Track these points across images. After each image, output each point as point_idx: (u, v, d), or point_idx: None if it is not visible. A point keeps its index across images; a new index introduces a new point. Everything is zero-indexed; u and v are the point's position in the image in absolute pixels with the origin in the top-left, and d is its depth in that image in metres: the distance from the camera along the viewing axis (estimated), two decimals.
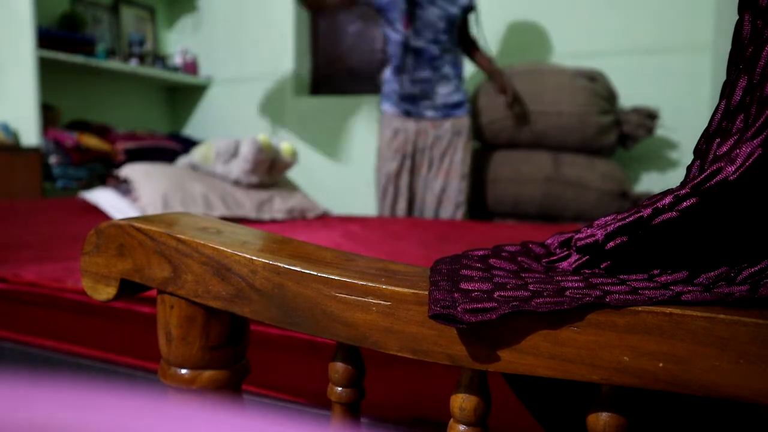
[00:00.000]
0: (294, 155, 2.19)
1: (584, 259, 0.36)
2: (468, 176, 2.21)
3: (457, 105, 2.15)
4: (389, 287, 0.35)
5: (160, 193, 1.83)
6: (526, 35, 2.66)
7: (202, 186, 1.95)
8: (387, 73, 2.19)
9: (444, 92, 2.12)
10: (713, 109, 0.35)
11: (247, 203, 2.01)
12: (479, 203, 2.34)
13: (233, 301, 0.39)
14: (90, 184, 2.65)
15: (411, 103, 2.12)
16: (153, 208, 1.78)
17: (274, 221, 2.04)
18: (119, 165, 2.66)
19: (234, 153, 2.06)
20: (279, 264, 0.37)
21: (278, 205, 2.12)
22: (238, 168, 2.03)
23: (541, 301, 0.31)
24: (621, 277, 0.35)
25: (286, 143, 2.19)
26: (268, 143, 2.05)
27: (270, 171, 2.12)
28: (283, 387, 0.78)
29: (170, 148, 3.06)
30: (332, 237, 1.57)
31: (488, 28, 2.72)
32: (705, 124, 0.36)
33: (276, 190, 2.17)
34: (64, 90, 2.97)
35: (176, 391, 0.42)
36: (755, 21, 0.33)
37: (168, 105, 3.64)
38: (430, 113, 2.13)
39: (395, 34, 2.08)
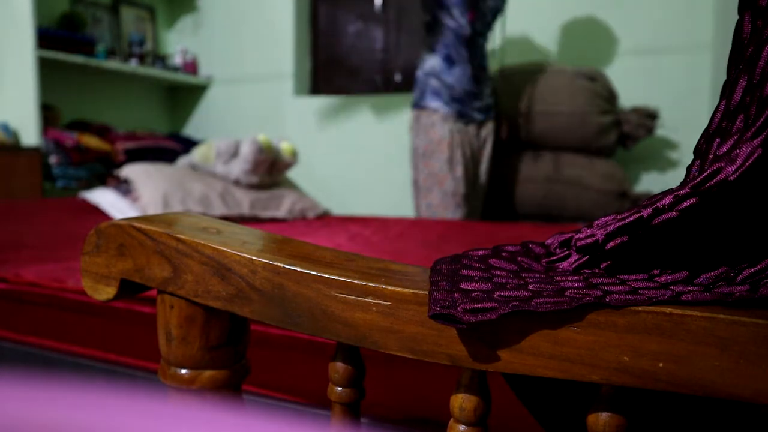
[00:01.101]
0: (294, 155, 2.19)
1: (584, 259, 0.36)
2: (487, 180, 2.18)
3: (492, 106, 2.06)
4: (389, 287, 0.35)
5: (160, 193, 1.83)
6: (527, 35, 2.66)
7: (202, 186, 1.95)
8: (434, 65, 1.95)
9: (487, 92, 2.01)
10: (713, 109, 0.35)
11: (246, 203, 2.01)
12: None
13: (233, 301, 0.39)
14: (90, 184, 2.65)
15: (461, 103, 1.96)
16: (153, 208, 1.78)
17: (274, 221, 2.04)
18: (119, 165, 2.66)
19: (234, 153, 2.06)
20: (279, 264, 0.37)
21: (278, 205, 2.12)
22: (238, 168, 2.03)
23: (541, 301, 0.31)
24: (621, 277, 0.35)
25: (286, 143, 2.18)
26: (268, 143, 2.05)
27: (270, 171, 2.12)
28: (283, 387, 0.78)
29: (170, 148, 3.06)
30: (333, 237, 1.57)
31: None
32: (705, 124, 0.36)
33: (276, 189, 2.17)
34: (64, 90, 2.97)
35: (176, 391, 0.42)
36: (755, 21, 0.33)
37: (168, 105, 3.64)
38: (477, 115, 2.00)
39: (453, 21, 1.88)
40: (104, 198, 1.89)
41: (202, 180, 1.99)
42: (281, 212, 2.10)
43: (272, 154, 2.08)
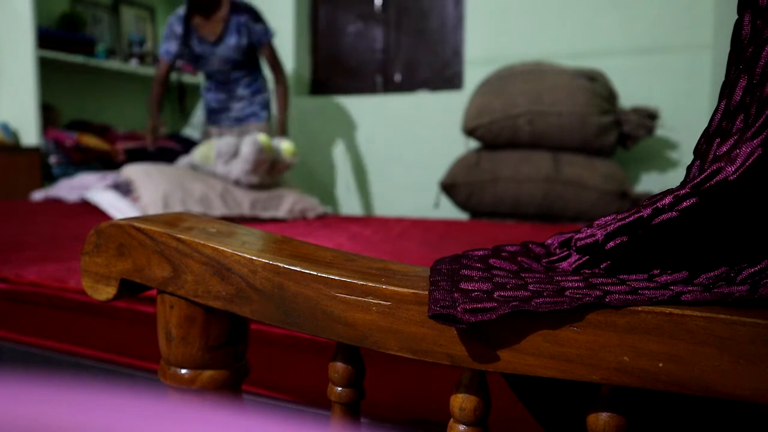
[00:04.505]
0: (294, 155, 2.19)
1: (584, 259, 0.36)
2: None
3: (250, 116, 2.57)
4: (389, 287, 0.35)
5: (161, 193, 1.83)
6: (526, 35, 2.66)
7: (202, 186, 1.95)
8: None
9: (238, 107, 2.57)
10: (713, 109, 0.35)
11: (246, 203, 2.01)
12: (479, 203, 2.34)
13: (233, 301, 0.39)
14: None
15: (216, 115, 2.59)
16: (153, 208, 1.78)
17: (274, 221, 2.04)
18: (119, 165, 2.66)
19: (234, 153, 2.06)
20: (279, 264, 0.37)
21: (278, 205, 2.12)
22: (238, 168, 2.03)
23: (541, 301, 0.31)
24: (621, 277, 0.35)
25: (286, 143, 2.18)
26: (268, 144, 2.05)
27: (271, 171, 2.12)
28: (285, 386, 0.78)
29: (170, 148, 3.06)
30: (333, 237, 1.57)
31: (488, 28, 2.72)
32: (705, 124, 0.36)
33: (276, 189, 2.17)
34: (64, 90, 2.97)
35: (176, 391, 0.42)
36: (755, 21, 0.33)
37: (168, 105, 3.64)
38: (227, 123, 2.58)
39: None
40: (104, 198, 1.90)
41: (202, 180, 1.99)
42: (281, 212, 2.10)
43: (272, 155, 2.08)
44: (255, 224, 1.85)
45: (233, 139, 2.09)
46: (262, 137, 2.05)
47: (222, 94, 2.57)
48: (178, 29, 2.41)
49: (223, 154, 2.05)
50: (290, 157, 2.17)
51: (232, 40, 2.41)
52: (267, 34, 2.44)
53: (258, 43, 2.43)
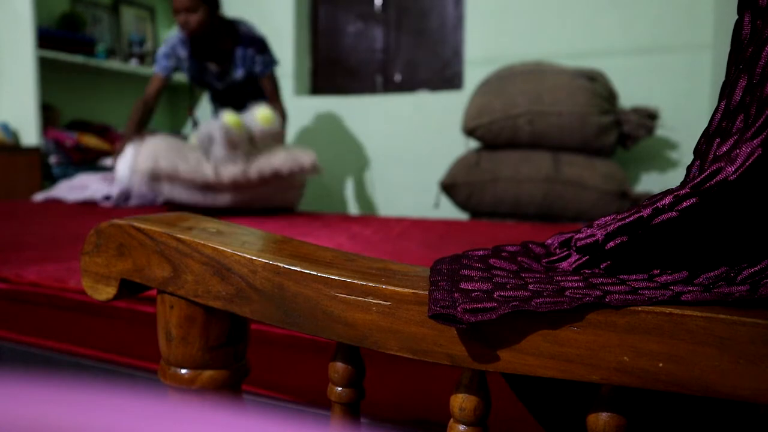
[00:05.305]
0: (271, 121, 2.16)
1: (584, 259, 0.36)
2: None
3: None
4: (389, 287, 0.35)
5: (152, 150, 1.89)
6: (526, 35, 2.66)
7: (195, 154, 2.01)
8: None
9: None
10: (713, 109, 0.35)
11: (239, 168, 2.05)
12: (479, 203, 2.34)
13: (233, 301, 0.39)
14: None
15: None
16: (144, 164, 1.83)
17: (274, 173, 2.05)
18: None
19: (210, 140, 2.06)
20: (279, 264, 0.37)
21: (272, 156, 2.12)
22: (217, 152, 2.04)
23: (541, 301, 0.31)
24: (621, 277, 0.35)
25: (259, 111, 2.16)
26: (236, 121, 2.05)
27: (253, 142, 2.12)
28: (285, 386, 0.77)
29: None
30: (333, 237, 1.57)
31: (488, 28, 2.72)
32: (705, 124, 0.36)
33: (267, 150, 2.16)
34: (64, 90, 2.97)
35: (176, 391, 0.42)
36: (755, 21, 0.33)
37: (168, 105, 3.64)
38: None
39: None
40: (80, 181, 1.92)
41: (193, 150, 2.04)
42: (278, 161, 2.10)
43: (244, 130, 2.08)
44: (256, 223, 1.85)
45: (205, 126, 2.07)
46: (228, 117, 2.05)
47: (227, 107, 2.56)
48: (182, 53, 2.33)
49: (203, 142, 2.05)
50: (269, 125, 2.15)
51: (238, 73, 2.39)
52: (268, 66, 2.39)
53: (259, 74, 2.39)
